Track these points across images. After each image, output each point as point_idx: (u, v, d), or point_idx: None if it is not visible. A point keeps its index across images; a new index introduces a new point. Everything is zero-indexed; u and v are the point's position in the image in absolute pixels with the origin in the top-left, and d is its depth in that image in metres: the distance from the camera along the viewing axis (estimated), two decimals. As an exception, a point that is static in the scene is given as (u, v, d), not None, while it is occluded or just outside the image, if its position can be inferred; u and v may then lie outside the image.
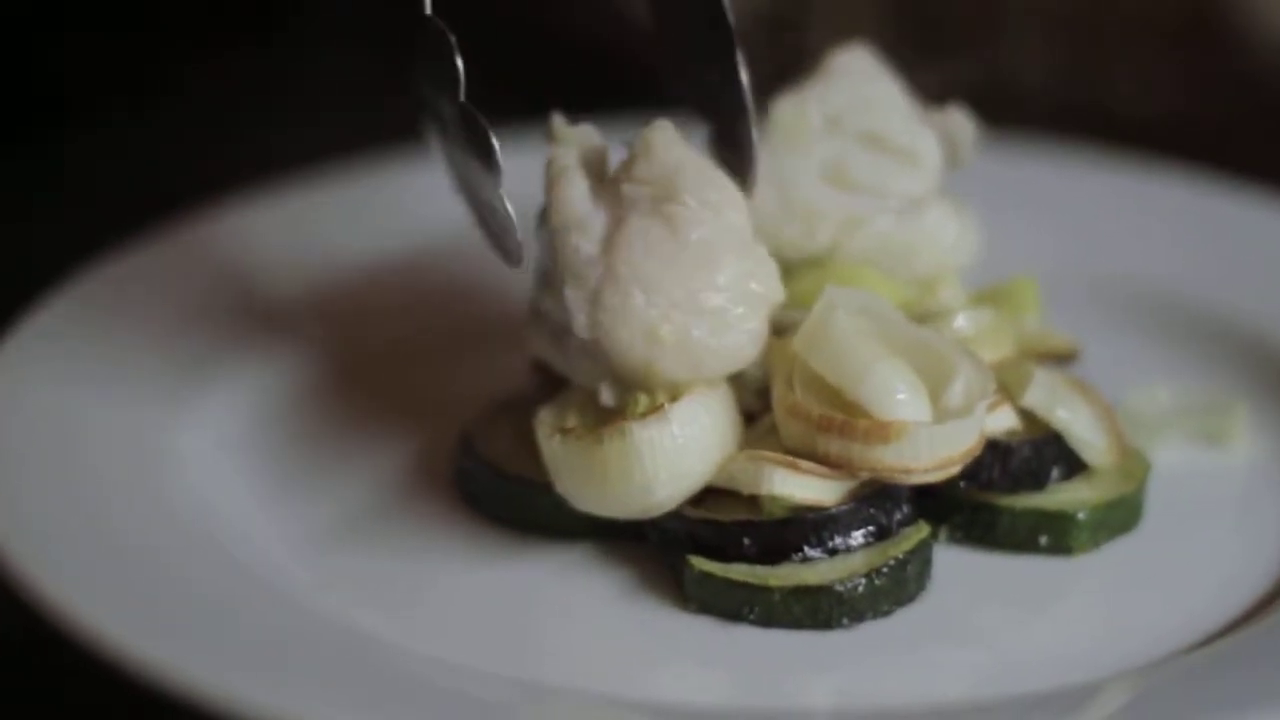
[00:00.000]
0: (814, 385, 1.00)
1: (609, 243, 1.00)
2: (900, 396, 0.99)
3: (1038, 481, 1.04)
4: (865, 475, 1.00)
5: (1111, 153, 1.35)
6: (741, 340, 1.01)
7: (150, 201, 1.30)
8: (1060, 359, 1.09)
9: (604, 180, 1.02)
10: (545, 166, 1.02)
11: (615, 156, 1.03)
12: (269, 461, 1.11)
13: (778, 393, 1.01)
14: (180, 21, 1.66)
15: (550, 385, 1.06)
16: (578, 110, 1.05)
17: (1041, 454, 1.04)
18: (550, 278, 1.02)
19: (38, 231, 1.43)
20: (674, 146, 1.01)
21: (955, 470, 1.01)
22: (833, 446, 0.99)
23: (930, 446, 0.99)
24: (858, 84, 1.11)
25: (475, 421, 1.09)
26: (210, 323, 1.19)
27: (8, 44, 1.63)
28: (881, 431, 0.98)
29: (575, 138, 1.03)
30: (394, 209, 1.30)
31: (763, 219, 1.06)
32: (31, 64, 1.63)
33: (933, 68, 1.17)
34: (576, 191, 1.01)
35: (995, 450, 1.03)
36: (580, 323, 1.00)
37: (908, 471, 0.99)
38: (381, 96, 1.59)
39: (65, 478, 1.04)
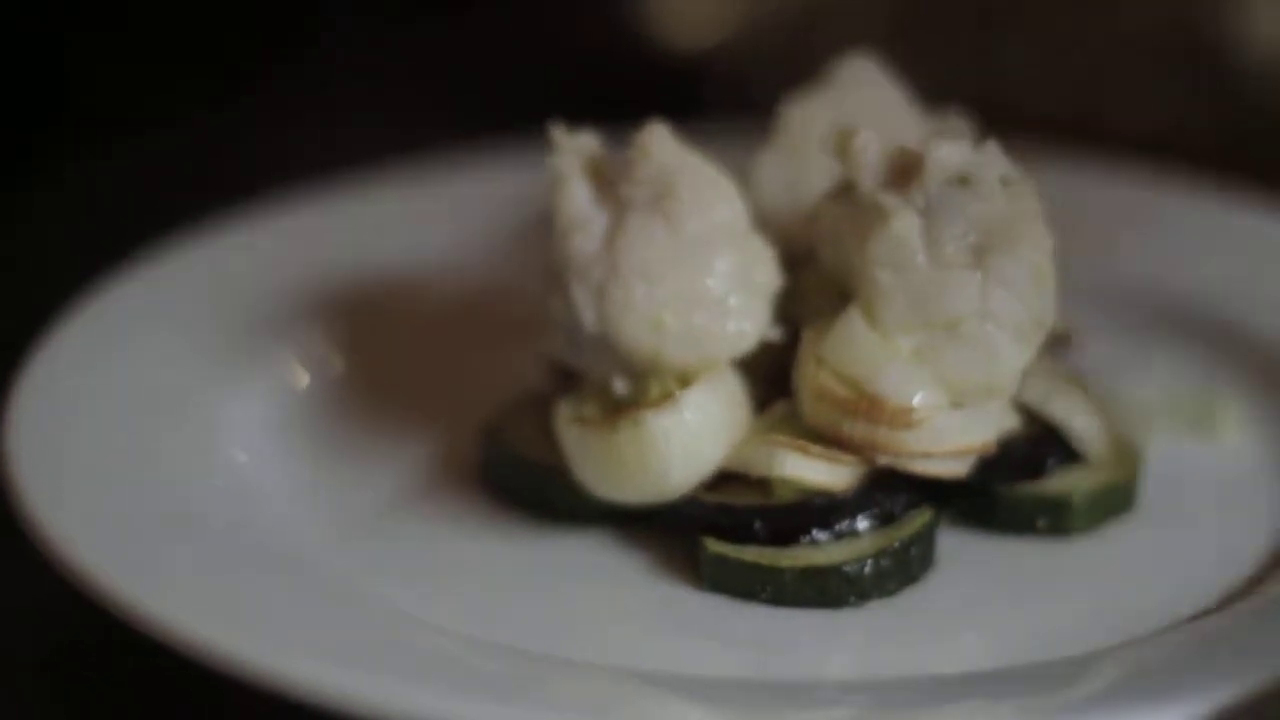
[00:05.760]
0: (837, 376, 1.02)
1: (610, 240, 1.03)
2: (918, 390, 1.02)
3: (1035, 474, 1.06)
4: (885, 460, 1.02)
5: (1102, 160, 1.35)
6: (744, 325, 1.03)
7: (193, 209, 1.31)
8: (1057, 343, 1.10)
9: (604, 183, 1.04)
10: (547, 174, 1.05)
11: (615, 161, 1.04)
12: (308, 453, 1.13)
13: (806, 374, 1.03)
14: (194, 41, 1.67)
15: (568, 380, 1.07)
16: (580, 118, 1.07)
17: (1038, 449, 1.06)
18: (558, 279, 1.04)
19: (100, 224, 1.43)
20: (668, 147, 1.04)
21: (966, 466, 1.03)
22: (858, 430, 1.02)
23: (951, 433, 1.02)
24: (864, 91, 1.14)
25: (499, 415, 1.11)
26: (253, 326, 1.21)
27: (21, 60, 1.63)
28: (905, 416, 1.01)
29: (575, 145, 1.05)
30: (433, 221, 1.32)
31: (772, 215, 1.09)
32: (44, 81, 1.63)
33: (933, 81, 1.20)
34: (578, 195, 1.04)
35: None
36: (589, 318, 1.03)
37: (928, 455, 1.01)
38: (404, 114, 1.60)
39: (118, 466, 1.06)
